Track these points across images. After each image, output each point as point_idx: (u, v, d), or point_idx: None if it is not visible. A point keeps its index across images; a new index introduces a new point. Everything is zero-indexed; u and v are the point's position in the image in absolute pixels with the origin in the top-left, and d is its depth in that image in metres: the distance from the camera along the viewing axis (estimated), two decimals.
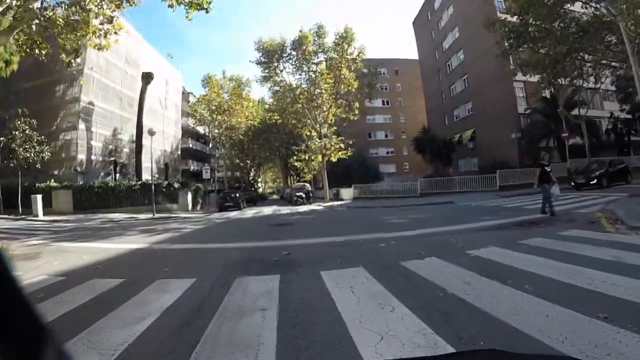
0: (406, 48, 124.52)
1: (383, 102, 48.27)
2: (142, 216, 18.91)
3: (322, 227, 10.55)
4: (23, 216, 19.78)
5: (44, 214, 20.09)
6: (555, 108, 23.34)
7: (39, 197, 20.21)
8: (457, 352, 1.95)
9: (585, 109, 24.00)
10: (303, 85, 27.12)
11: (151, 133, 19.24)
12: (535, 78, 28.26)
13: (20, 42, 11.02)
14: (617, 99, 30.36)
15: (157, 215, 18.54)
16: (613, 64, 21.16)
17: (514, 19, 20.04)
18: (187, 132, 49.46)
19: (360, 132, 40.83)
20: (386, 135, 49.69)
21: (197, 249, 7.47)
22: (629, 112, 28.99)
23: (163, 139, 41.75)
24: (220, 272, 4.87)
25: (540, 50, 20.61)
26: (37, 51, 11.15)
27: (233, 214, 19.08)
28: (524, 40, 19.88)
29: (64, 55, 11.57)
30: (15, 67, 13.53)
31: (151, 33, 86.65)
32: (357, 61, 25.99)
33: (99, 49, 11.94)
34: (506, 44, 21.28)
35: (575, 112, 24.07)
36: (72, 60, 12.25)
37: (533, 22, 18.96)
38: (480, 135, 32.84)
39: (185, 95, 50.21)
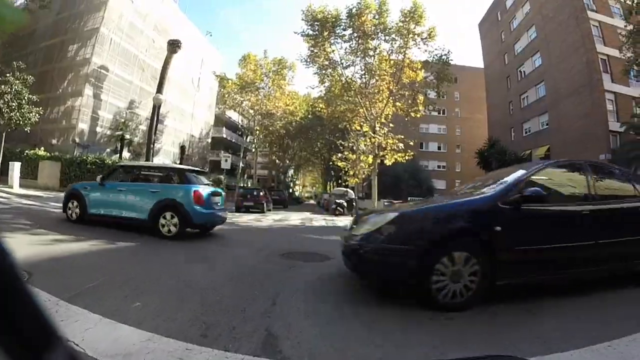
0: (467, 56, 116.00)
1: (439, 110, 42.38)
2: None
3: None
4: None
5: (23, 187, 16.56)
6: None
7: (17, 165, 16.51)
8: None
9: None
10: (357, 71, 22.09)
11: (157, 100, 14.76)
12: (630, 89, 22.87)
13: None
14: None
15: None
16: None
17: None
18: (221, 121, 45.48)
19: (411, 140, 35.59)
20: (439, 148, 44.01)
21: None
22: None
23: (192, 122, 37.96)
24: None
25: None
26: None
27: (247, 218, 14.21)
28: None
29: None
30: None
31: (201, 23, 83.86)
32: (426, 43, 20.60)
33: None
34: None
35: None
36: None
37: None
38: (556, 154, 27.07)
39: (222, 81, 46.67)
